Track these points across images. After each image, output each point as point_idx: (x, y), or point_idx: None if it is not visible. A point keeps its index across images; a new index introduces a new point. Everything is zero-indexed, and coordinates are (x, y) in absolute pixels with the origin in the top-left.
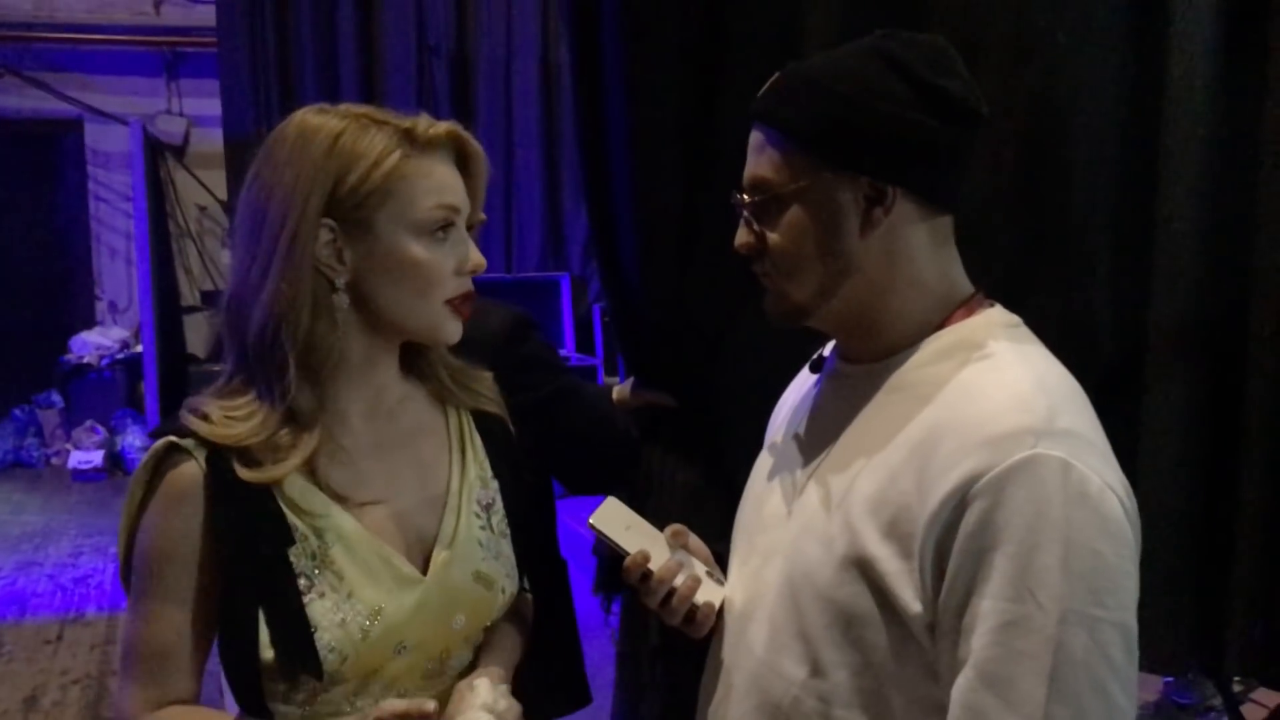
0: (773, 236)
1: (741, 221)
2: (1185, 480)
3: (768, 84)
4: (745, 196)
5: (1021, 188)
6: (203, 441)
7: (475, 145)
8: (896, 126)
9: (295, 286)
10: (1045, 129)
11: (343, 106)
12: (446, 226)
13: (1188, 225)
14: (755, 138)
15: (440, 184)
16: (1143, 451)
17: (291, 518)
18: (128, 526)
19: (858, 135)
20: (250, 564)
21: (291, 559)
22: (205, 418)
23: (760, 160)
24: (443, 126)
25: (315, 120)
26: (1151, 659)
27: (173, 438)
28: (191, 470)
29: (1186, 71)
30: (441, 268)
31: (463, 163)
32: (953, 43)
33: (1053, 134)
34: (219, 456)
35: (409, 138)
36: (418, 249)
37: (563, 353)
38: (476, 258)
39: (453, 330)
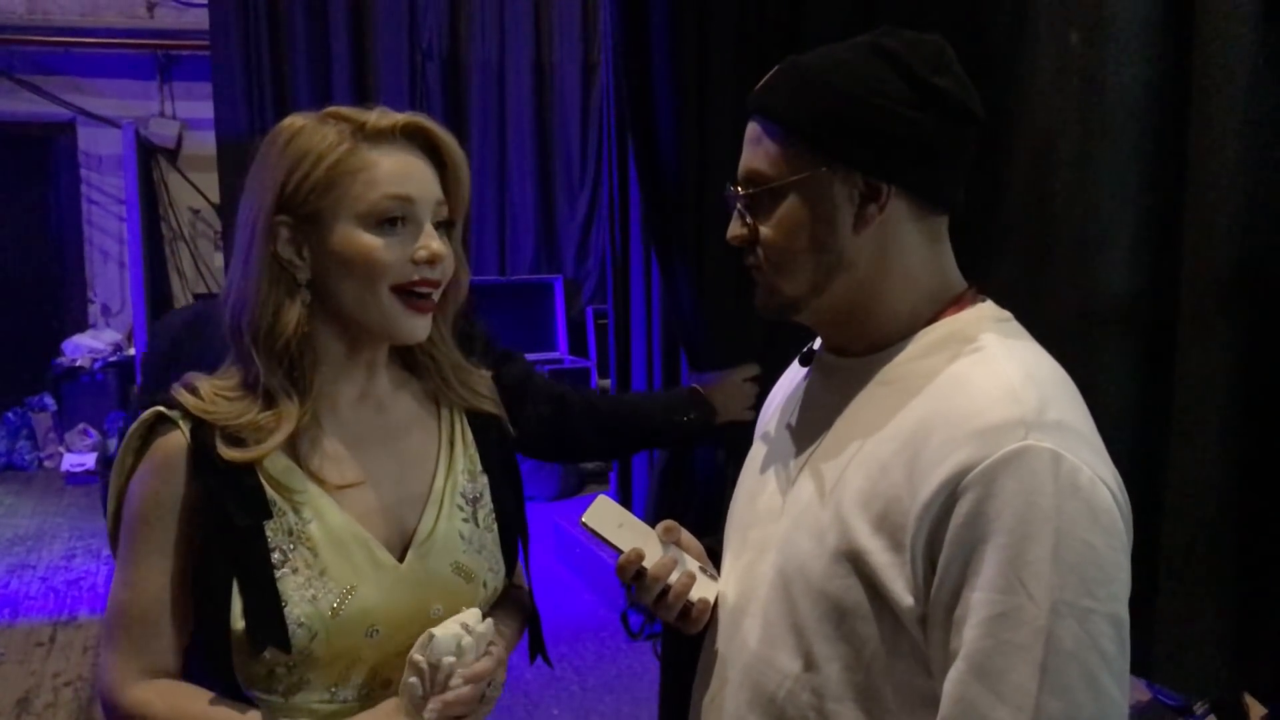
0: (765, 230)
1: (734, 214)
2: (1224, 462)
3: (766, 77)
4: (739, 189)
5: (1033, 179)
6: (188, 413)
7: (443, 135)
8: (893, 124)
9: (257, 281)
10: (1058, 123)
11: (327, 109)
12: (398, 218)
13: (1222, 194)
14: (752, 130)
15: (388, 175)
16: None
17: (270, 493)
18: (116, 493)
19: (855, 131)
20: (226, 534)
21: (267, 532)
22: (194, 392)
23: (756, 153)
24: (398, 118)
25: (285, 122)
26: (1179, 679)
27: (161, 408)
28: (177, 439)
29: (1221, 55)
30: (385, 254)
31: (435, 155)
32: (964, 47)
33: (1069, 127)
34: (203, 429)
35: (361, 130)
36: (364, 238)
37: (556, 354)
38: (433, 246)
39: (410, 326)
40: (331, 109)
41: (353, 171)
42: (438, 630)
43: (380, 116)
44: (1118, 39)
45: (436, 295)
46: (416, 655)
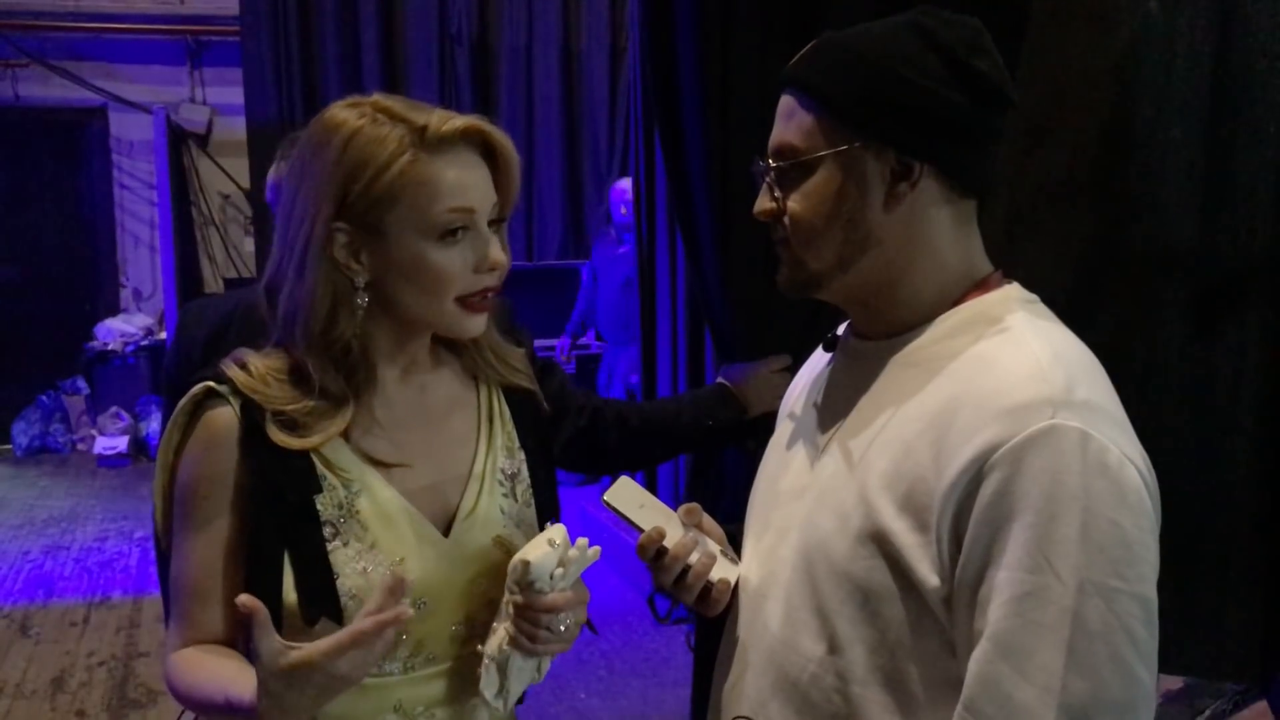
0: (793, 204)
1: (763, 187)
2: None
3: (803, 50)
4: (771, 162)
5: (1109, 148)
6: (237, 390)
7: (501, 138)
8: (930, 102)
9: (312, 285)
10: (1132, 95)
11: (372, 98)
12: (460, 229)
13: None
14: (786, 103)
15: (452, 186)
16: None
17: (320, 468)
18: (164, 467)
19: (891, 107)
20: (277, 508)
21: (318, 506)
22: (244, 367)
23: (789, 126)
24: (459, 123)
25: (339, 116)
26: (1215, 666)
27: (210, 383)
28: (227, 414)
29: None
30: (453, 268)
31: (490, 156)
32: (1040, 11)
33: (1138, 101)
34: (253, 406)
35: (421, 137)
36: (429, 251)
37: (582, 340)
38: (496, 255)
39: (470, 326)
40: (382, 104)
41: (416, 183)
42: (531, 556)
43: (441, 121)
44: (1192, 5)
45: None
46: (511, 585)
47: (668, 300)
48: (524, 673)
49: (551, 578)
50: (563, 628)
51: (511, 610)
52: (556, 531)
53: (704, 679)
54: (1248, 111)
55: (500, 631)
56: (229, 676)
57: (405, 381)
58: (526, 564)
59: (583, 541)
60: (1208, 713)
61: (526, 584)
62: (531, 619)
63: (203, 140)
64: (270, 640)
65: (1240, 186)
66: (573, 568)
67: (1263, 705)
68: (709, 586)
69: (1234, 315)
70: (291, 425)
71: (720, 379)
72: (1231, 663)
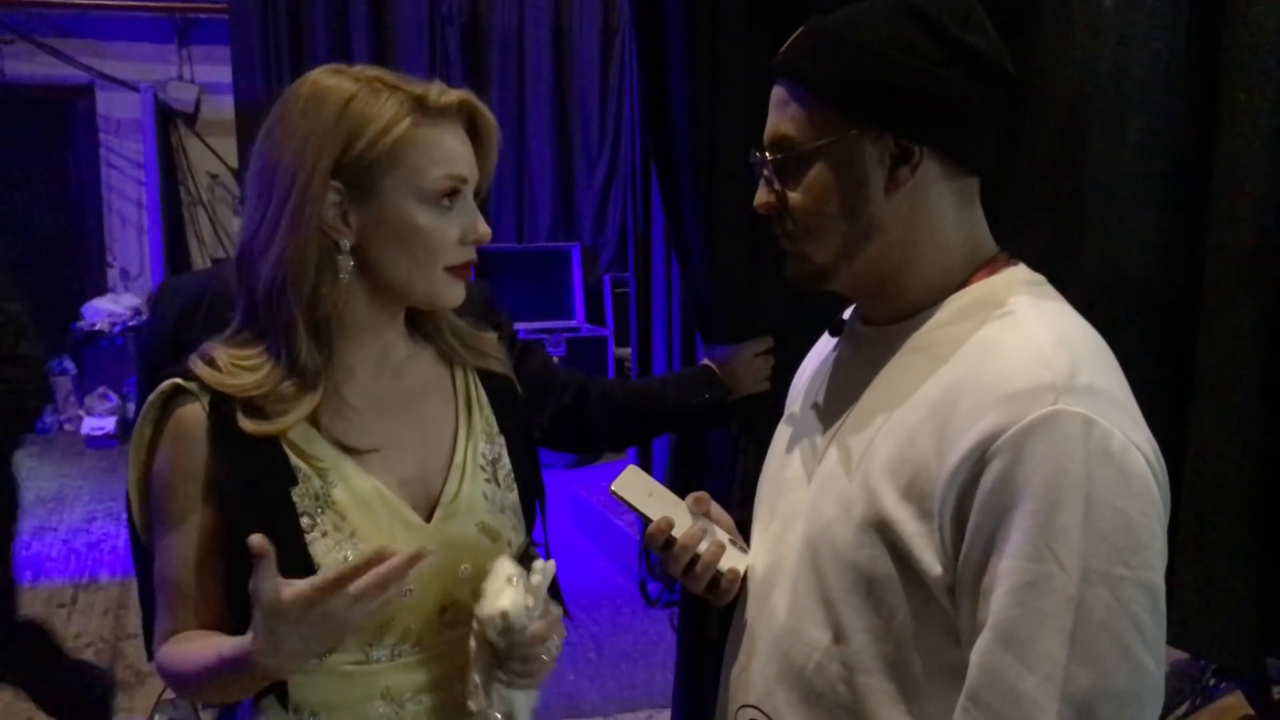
0: (794, 196)
1: (761, 181)
2: (1249, 431)
3: (791, 39)
4: (766, 154)
5: (1063, 147)
6: (206, 386)
7: (487, 115)
8: (925, 83)
9: (302, 246)
10: (1090, 92)
11: (356, 68)
12: (453, 195)
13: (1250, 166)
14: (778, 94)
15: (449, 153)
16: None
17: (294, 459)
18: (138, 464)
19: (885, 92)
20: (253, 503)
21: (294, 498)
22: (212, 363)
23: (783, 117)
24: (455, 95)
25: (329, 81)
26: (1211, 648)
27: (178, 380)
28: (196, 411)
29: (1255, 27)
30: (445, 236)
31: (474, 132)
32: (998, 9)
33: (1100, 94)
34: (222, 401)
35: (420, 105)
36: (422, 216)
37: (573, 323)
38: (482, 228)
39: (451, 295)
40: (370, 72)
41: (416, 148)
42: (505, 604)
43: (440, 93)
44: (1149, 4)
45: None
46: (495, 637)
47: (663, 283)
48: (529, 698)
49: (527, 610)
50: (555, 650)
51: (493, 660)
52: (505, 565)
53: (689, 662)
54: (1205, 107)
55: (489, 683)
56: (219, 641)
57: (380, 368)
58: (505, 614)
59: (537, 563)
60: (1181, 709)
61: (508, 630)
62: (523, 656)
63: (191, 119)
64: (271, 578)
65: (1199, 182)
66: (539, 591)
67: (1237, 695)
68: (718, 576)
69: (1194, 321)
70: (261, 413)
71: (705, 360)
72: (1218, 643)
